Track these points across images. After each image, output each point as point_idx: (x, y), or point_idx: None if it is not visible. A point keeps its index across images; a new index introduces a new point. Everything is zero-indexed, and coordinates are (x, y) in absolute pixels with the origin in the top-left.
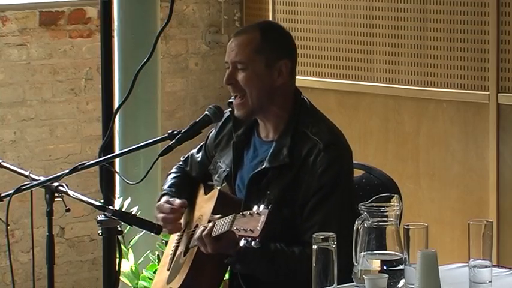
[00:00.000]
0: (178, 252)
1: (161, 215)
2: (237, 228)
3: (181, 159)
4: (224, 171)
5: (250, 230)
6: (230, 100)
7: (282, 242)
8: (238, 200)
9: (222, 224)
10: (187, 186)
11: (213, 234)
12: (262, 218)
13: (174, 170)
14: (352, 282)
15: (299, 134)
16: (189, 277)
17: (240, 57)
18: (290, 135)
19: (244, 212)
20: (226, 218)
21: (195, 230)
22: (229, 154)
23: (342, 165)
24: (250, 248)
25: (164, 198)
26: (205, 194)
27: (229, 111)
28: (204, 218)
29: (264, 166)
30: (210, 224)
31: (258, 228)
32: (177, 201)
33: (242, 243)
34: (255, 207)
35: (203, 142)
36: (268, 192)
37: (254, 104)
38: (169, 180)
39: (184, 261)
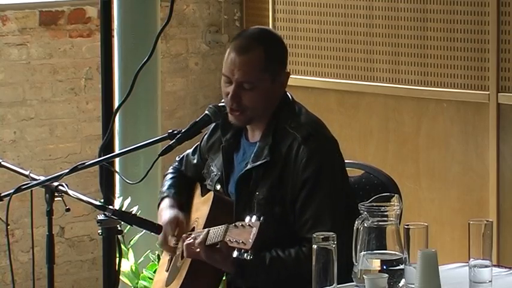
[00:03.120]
0: (176, 254)
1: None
2: (229, 240)
3: (177, 159)
4: (216, 175)
5: (242, 242)
6: (221, 104)
7: (278, 241)
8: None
9: (215, 233)
10: (186, 186)
11: (207, 242)
12: (254, 230)
13: (170, 170)
14: (352, 282)
15: (280, 130)
16: (186, 281)
17: (248, 78)
18: (271, 133)
19: (237, 223)
20: (220, 227)
21: (191, 234)
22: (220, 158)
23: (323, 155)
24: (246, 262)
25: (165, 203)
26: (202, 195)
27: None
28: (200, 222)
29: (247, 167)
30: (204, 232)
31: (250, 240)
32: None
33: (235, 254)
34: (247, 218)
35: (198, 144)
36: (257, 193)
37: (253, 115)
38: (168, 181)
39: (181, 265)
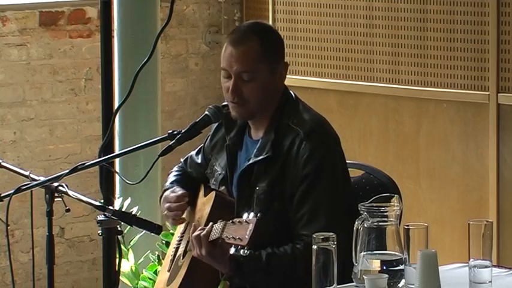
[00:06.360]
0: (178, 254)
1: (166, 205)
2: (226, 236)
3: (181, 160)
4: (220, 174)
5: (238, 238)
6: (224, 104)
7: (276, 236)
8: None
9: (214, 230)
10: (189, 183)
11: (210, 238)
12: (250, 227)
13: (175, 168)
14: (352, 282)
15: (282, 126)
16: (185, 280)
17: (247, 68)
18: (274, 129)
19: (234, 220)
20: (219, 224)
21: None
22: (224, 157)
23: (325, 152)
24: (242, 260)
25: (167, 192)
26: (205, 195)
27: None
28: (202, 222)
29: (249, 162)
30: (208, 227)
31: (246, 236)
32: (180, 191)
33: (232, 250)
34: (245, 215)
35: (202, 144)
36: (257, 188)
37: (255, 108)
38: (171, 178)
39: (182, 264)
